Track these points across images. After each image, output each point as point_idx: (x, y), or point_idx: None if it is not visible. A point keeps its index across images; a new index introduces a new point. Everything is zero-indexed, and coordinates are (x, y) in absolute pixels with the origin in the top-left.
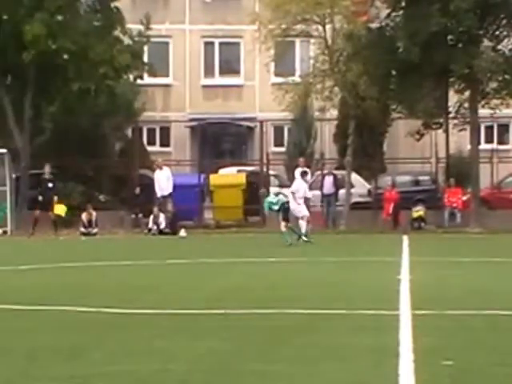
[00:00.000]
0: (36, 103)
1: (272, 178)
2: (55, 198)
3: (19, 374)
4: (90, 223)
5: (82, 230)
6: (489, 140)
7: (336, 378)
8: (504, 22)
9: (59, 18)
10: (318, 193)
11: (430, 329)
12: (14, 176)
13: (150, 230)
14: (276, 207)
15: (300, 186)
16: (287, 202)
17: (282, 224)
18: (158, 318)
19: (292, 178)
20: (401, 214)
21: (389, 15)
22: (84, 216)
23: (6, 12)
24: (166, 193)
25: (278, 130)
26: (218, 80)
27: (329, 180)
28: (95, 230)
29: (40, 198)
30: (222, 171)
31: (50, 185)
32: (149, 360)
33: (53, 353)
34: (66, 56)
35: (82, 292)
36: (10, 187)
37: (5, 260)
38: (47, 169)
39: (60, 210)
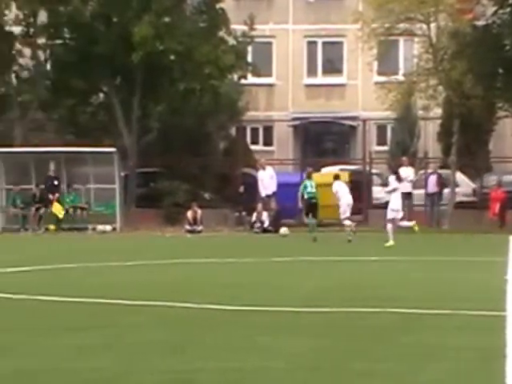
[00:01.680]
0: (143, 103)
1: (375, 177)
2: (56, 195)
3: (126, 366)
4: (195, 221)
5: (187, 227)
6: None
7: (440, 378)
8: None
9: (166, 19)
10: (421, 192)
11: None
12: (122, 174)
13: (252, 226)
14: (305, 195)
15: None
16: (314, 198)
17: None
18: (260, 315)
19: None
20: (508, 213)
21: (495, 12)
22: (189, 214)
23: (115, 14)
24: (269, 192)
25: (381, 129)
26: (320, 79)
27: (433, 179)
28: (200, 228)
29: (50, 196)
30: (324, 170)
31: (56, 182)
32: (250, 357)
33: (158, 347)
34: (172, 57)
35: (186, 288)
36: (119, 185)
37: (113, 256)
38: (52, 166)
39: (57, 209)
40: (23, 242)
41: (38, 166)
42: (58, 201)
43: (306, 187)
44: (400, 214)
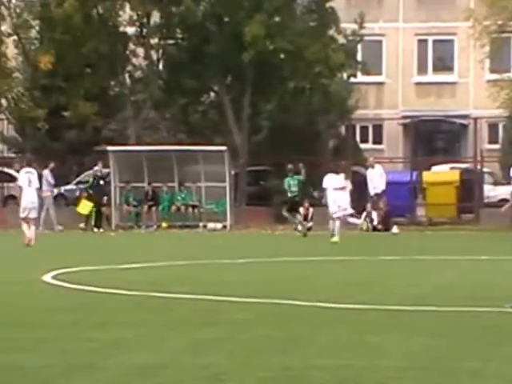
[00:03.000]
0: (254, 102)
1: (486, 176)
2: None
3: (238, 362)
4: (305, 218)
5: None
6: None
7: None
8: None
9: (277, 18)
10: None
11: None
12: (233, 172)
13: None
14: (288, 193)
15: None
16: (297, 196)
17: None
18: (371, 314)
19: (506, 176)
20: None
21: None
22: (301, 210)
23: (226, 14)
24: (378, 190)
25: (493, 127)
26: (431, 77)
27: None
28: (310, 225)
29: (91, 192)
30: (434, 168)
31: (102, 182)
32: (361, 355)
33: (271, 344)
34: (282, 56)
35: (296, 286)
36: (230, 183)
37: (224, 253)
38: (100, 166)
39: (83, 207)
40: (136, 239)
41: (151, 164)
42: (90, 199)
43: (289, 186)
44: (349, 211)
